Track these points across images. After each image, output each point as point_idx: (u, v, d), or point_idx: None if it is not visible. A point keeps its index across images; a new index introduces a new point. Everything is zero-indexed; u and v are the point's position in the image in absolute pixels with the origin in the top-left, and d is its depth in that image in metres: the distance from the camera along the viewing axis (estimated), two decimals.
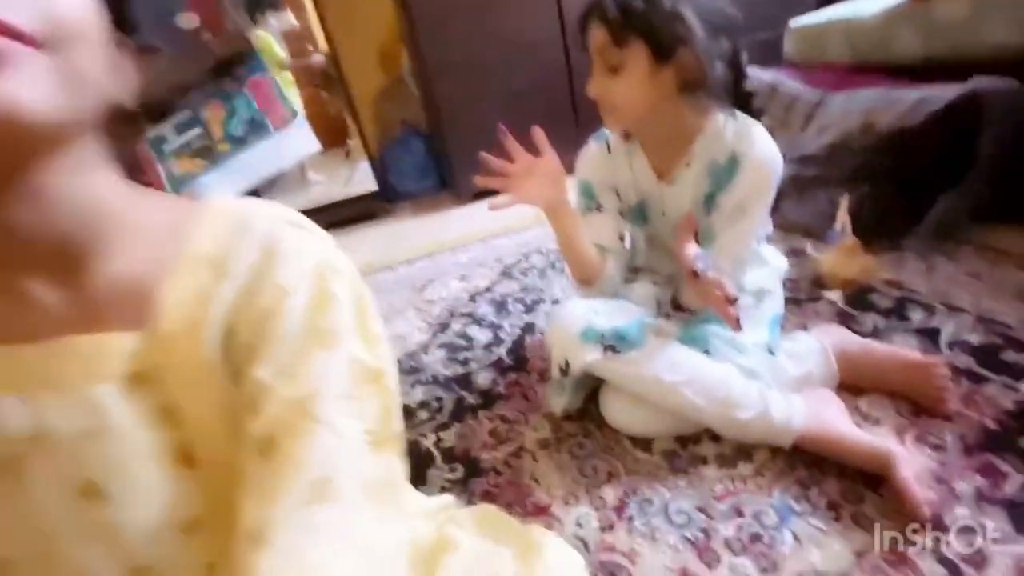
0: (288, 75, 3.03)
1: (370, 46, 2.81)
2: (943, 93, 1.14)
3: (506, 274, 1.59)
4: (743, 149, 0.78)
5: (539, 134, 0.78)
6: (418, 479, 0.86)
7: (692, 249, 0.73)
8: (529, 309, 1.34)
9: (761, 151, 0.78)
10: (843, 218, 1.19)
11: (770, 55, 1.81)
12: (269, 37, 2.86)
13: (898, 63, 1.38)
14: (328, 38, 2.56)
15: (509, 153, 0.79)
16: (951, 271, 1.10)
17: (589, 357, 0.78)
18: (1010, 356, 0.83)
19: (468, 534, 0.56)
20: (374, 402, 0.37)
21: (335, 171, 3.39)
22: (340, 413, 0.35)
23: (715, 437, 0.79)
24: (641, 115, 0.78)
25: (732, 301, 0.65)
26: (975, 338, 0.89)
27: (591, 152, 0.92)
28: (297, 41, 3.10)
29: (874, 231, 1.20)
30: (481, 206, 2.38)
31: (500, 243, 1.87)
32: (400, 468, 0.39)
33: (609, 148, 0.90)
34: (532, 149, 0.80)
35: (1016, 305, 0.94)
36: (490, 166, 0.78)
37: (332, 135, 3.50)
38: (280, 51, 2.91)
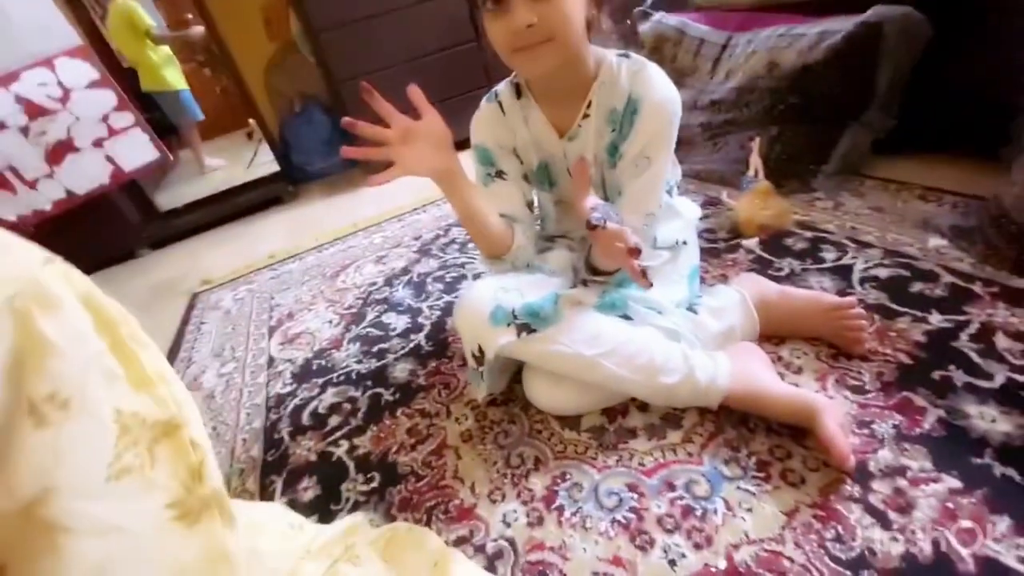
0: (165, 50, 2.67)
1: (252, 10, 2.50)
2: (843, 25, 1.13)
3: (424, 252, 1.49)
4: (640, 91, 0.72)
5: (416, 93, 0.67)
6: (330, 497, 0.77)
7: (590, 201, 0.65)
8: (450, 288, 1.25)
9: (658, 92, 0.72)
10: (755, 162, 1.17)
11: (676, 1, 1.76)
12: (131, 4, 2.48)
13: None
14: (199, 4, 2.24)
15: (384, 117, 0.67)
16: (857, 206, 1.11)
17: (502, 340, 0.70)
18: (917, 287, 0.84)
19: (368, 569, 0.48)
20: (172, 465, 0.28)
21: (237, 154, 3.09)
22: (112, 500, 0.25)
23: (643, 406, 0.75)
24: (577, 42, 0.69)
25: (635, 253, 0.58)
26: (884, 272, 0.89)
27: (483, 114, 0.82)
28: (174, 9, 2.73)
29: (786, 173, 1.19)
30: (396, 180, 2.24)
31: (417, 218, 1.75)
32: (228, 534, 0.30)
33: (502, 108, 0.81)
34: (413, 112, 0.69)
35: (919, 235, 0.96)
36: (362, 134, 0.66)
37: (228, 115, 3.17)
38: (146, 18, 2.54)
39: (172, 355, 1.32)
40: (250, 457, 0.89)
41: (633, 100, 0.72)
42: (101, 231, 2.18)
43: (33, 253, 0.27)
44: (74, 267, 0.29)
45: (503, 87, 0.82)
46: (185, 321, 1.49)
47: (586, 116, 0.76)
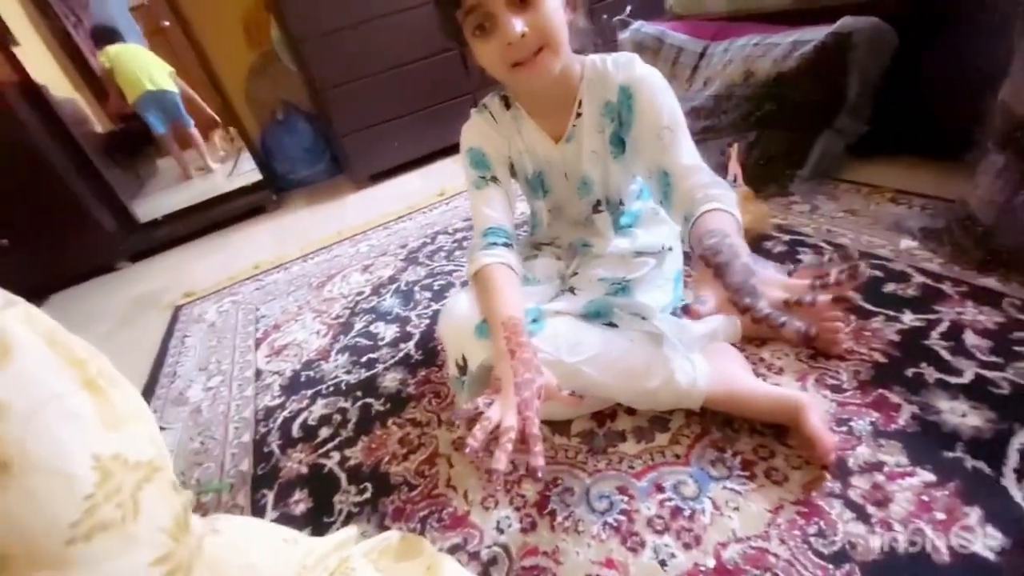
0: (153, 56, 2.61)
1: (232, 18, 2.47)
2: (814, 35, 1.17)
3: (411, 260, 1.49)
4: (630, 77, 0.74)
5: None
6: (322, 509, 0.77)
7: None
8: (438, 296, 1.26)
9: (643, 71, 0.75)
10: (734, 167, 1.20)
11: (654, 9, 1.79)
12: (144, 52, 2.44)
13: (772, 10, 1.40)
14: (175, 11, 2.22)
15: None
16: (832, 209, 1.14)
17: (486, 353, 0.71)
18: (890, 287, 0.87)
19: None
20: (157, 513, 0.26)
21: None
22: (80, 567, 0.23)
23: (631, 410, 0.77)
24: (566, 45, 0.70)
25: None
26: None
27: (476, 121, 0.82)
28: (150, 17, 2.68)
29: (764, 177, 1.22)
30: (381, 188, 2.24)
31: (403, 227, 1.76)
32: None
33: (494, 118, 0.82)
34: None
35: (891, 237, 1.00)
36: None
37: (209, 122, 3.13)
38: (164, 67, 2.49)
39: (156, 370, 1.30)
40: (239, 471, 0.89)
41: (625, 87, 0.74)
42: (77, 243, 2.14)
43: None
44: (36, 308, 0.28)
45: (491, 100, 0.83)
46: (168, 335, 1.47)
47: (579, 115, 0.78)
